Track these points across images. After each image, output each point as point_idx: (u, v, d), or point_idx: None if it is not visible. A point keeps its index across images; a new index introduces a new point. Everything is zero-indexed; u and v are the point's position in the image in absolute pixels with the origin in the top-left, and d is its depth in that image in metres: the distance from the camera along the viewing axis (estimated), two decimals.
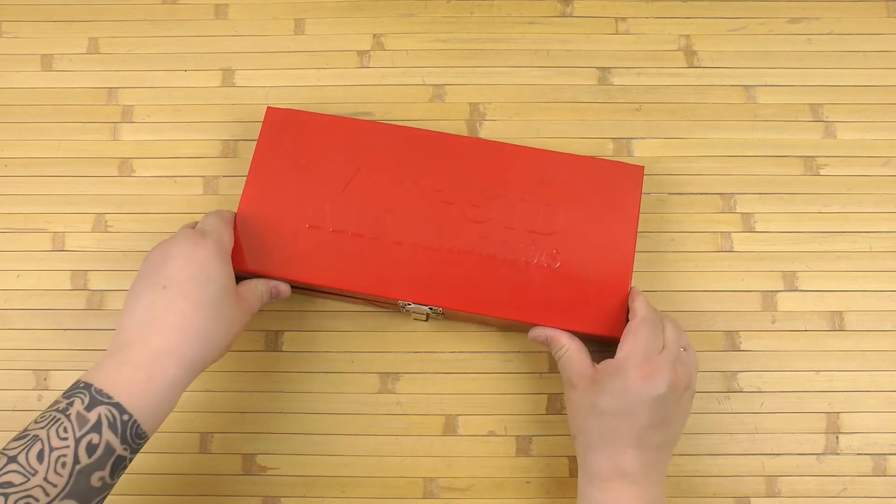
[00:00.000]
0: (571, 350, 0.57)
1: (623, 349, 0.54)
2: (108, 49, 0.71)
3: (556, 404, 0.63)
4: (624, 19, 0.70)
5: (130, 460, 0.47)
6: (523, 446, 0.63)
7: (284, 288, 0.59)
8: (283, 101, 0.68)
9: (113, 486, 0.47)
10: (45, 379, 0.64)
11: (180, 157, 0.68)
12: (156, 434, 0.62)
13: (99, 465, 0.45)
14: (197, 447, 0.63)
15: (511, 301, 0.59)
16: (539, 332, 0.58)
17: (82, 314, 0.65)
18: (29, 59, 0.70)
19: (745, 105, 0.68)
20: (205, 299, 0.50)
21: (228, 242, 0.55)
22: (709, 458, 0.62)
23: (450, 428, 0.63)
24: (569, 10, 0.71)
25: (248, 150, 0.68)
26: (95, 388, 0.46)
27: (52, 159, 0.68)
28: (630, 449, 0.52)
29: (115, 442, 0.45)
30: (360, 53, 0.70)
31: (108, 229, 0.66)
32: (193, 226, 0.57)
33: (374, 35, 0.71)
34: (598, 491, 0.53)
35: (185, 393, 0.63)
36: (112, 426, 0.45)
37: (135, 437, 0.46)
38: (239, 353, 0.63)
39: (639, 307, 0.57)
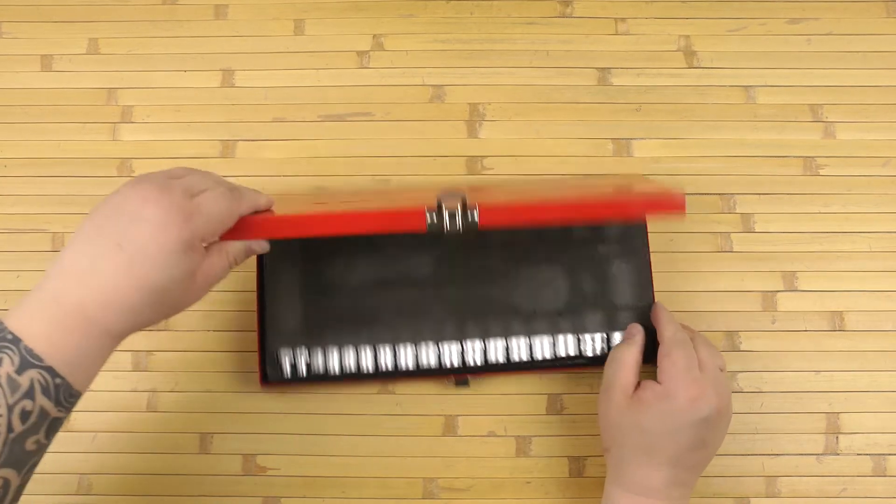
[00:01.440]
0: (631, 354, 0.56)
1: (664, 373, 0.54)
2: (108, 49, 0.71)
3: (556, 404, 0.63)
4: (624, 19, 0.70)
5: (67, 417, 0.45)
6: (523, 446, 0.63)
7: (261, 248, 0.52)
8: (284, 101, 0.69)
9: (49, 443, 0.45)
10: None
11: (180, 157, 0.68)
12: (156, 434, 0.63)
13: (34, 430, 0.43)
14: (197, 447, 0.63)
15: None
16: (632, 328, 0.59)
17: None
18: (29, 59, 0.70)
19: (745, 105, 0.68)
20: (156, 283, 0.45)
21: (207, 232, 0.47)
22: None
23: (450, 428, 0.63)
24: (569, 10, 0.71)
25: (249, 150, 0.68)
26: (24, 346, 0.43)
27: (51, 159, 0.68)
28: (665, 467, 0.53)
29: (50, 406, 0.43)
30: (360, 54, 0.70)
31: None
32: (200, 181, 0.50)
33: (374, 35, 0.71)
34: (624, 501, 0.54)
35: (184, 393, 0.63)
36: (45, 391, 0.43)
37: (67, 397, 0.44)
38: (239, 353, 0.63)
39: (664, 328, 0.57)
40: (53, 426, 0.45)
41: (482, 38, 0.70)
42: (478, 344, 0.61)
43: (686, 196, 0.55)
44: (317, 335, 0.61)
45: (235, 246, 0.50)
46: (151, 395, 0.64)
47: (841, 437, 0.62)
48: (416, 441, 0.63)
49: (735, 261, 0.65)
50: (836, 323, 0.64)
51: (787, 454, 0.62)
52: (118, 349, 0.64)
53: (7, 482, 0.43)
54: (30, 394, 0.43)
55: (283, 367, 0.61)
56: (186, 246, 0.45)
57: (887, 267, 0.65)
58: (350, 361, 0.61)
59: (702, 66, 0.69)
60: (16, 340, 0.43)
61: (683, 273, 0.65)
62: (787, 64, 0.69)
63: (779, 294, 0.65)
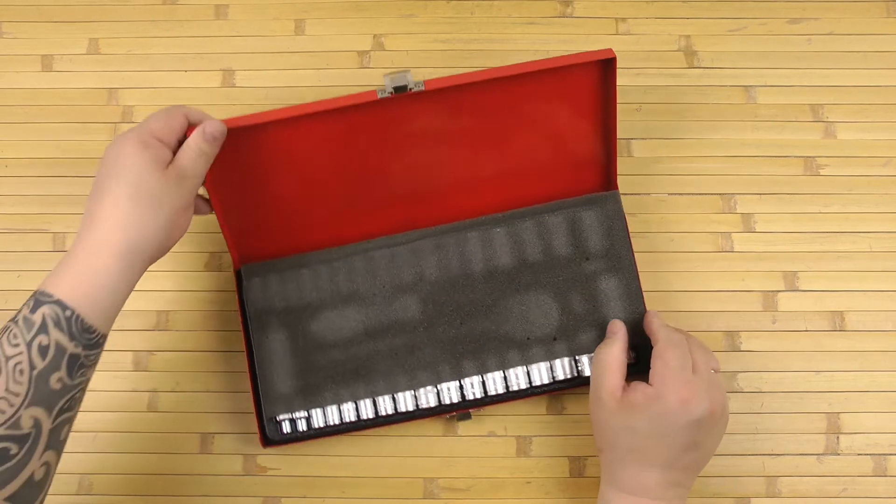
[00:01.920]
0: (614, 354, 0.56)
1: (655, 375, 0.53)
2: (108, 49, 0.71)
3: (556, 404, 0.63)
4: (624, 19, 0.70)
5: (90, 359, 0.48)
6: (523, 446, 0.63)
7: (212, 127, 0.53)
8: (284, 101, 0.68)
9: (77, 386, 0.47)
10: None
11: None
12: (156, 434, 0.63)
13: (55, 366, 0.45)
14: (197, 447, 0.63)
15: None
16: (614, 325, 0.59)
17: None
18: (29, 59, 0.70)
19: (745, 105, 0.68)
20: (125, 189, 0.49)
21: (156, 129, 0.51)
22: None
23: (450, 428, 0.63)
24: (569, 10, 0.71)
25: None
26: (40, 290, 0.47)
27: (52, 159, 0.68)
28: (658, 468, 0.53)
29: (65, 340, 0.46)
30: (360, 54, 0.70)
31: None
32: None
33: (374, 35, 0.71)
34: (618, 501, 0.54)
35: (184, 393, 0.63)
36: (57, 324, 0.46)
37: (82, 331, 0.46)
38: (240, 353, 0.63)
39: (657, 330, 0.56)
40: (73, 362, 0.46)
41: (482, 37, 0.70)
42: (476, 379, 0.60)
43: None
44: (313, 392, 0.60)
45: (194, 136, 0.52)
46: (152, 395, 0.64)
47: (841, 437, 0.62)
48: (416, 441, 0.63)
49: (735, 261, 0.65)
50: (837, 323, 0.64)
51: (788, 454, 0.62)
52: (119, 349, 0.64)
53: (38, 422, 0.45)
54: (43, 328, 0.46)
55: (283, 427, 0.61)
56: (142, 139, 0.50)
57: (887, 267, 0.65)
58: (350, 414, 0.61)
59: (702, 66, 0.69)
60: (36, 291, 0.47)
61: (684, 273, 0.65)
62: (787, 64, 0.69)
63: (779, 294, 0.65)
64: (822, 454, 0.62)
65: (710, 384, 0.53)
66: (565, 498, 0.62)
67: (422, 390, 0.60)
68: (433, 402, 0.60)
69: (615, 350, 0.56)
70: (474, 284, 0.61)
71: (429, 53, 0.70)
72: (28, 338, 0.45)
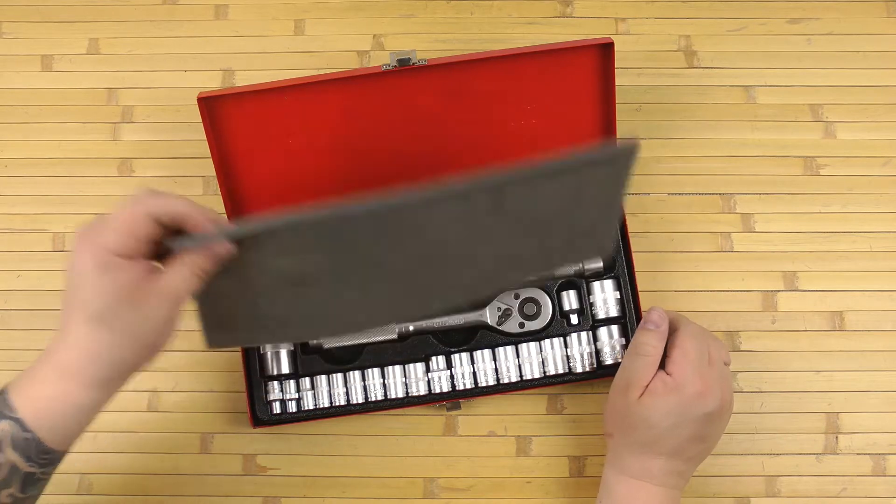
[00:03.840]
0: (654, 356, 0.55)
1: (674, 364, 0.53)
2: (108, 49, 0.71)
3: (556, 404, 0.63)
4: (624, 19, 0.70)
5: (46, 474, 0.46)
6: (523, 446, 0.63)
7: (223, 248, 0.45)
8: None
9: (31, 496, 0.46)
10: None
11: (180, 157, 0.68)
12: (156, 434, 0.63)
13: (6, 483, 0.44)
14: (197, 447, 0.63)
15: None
16: (657, 315, 0.56)
17: None
18: (29, 59, 0.70)
19: (745, 105, 0.68)
20: (91, 318, 0.43)
21: (112, 242, 0.44)
22: (709, 457, 0.62)
23: (450, 428, 0.63)
24: (569, 10, 0.71)
25: None
26: (5, 393, 0.45)
27: (52, 159, 0.68)
28: (665, 456, 0.53)
29: (20, 461, 0.44)
30: (360, 53, 0.70)
31: None
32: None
33: (374, 35, 0.70)
34: (620, 485, 0.54)
35: (184, 393, 0.63)
36: (15, 444, 0.43)
37: (40, 453, 0.44)
38: (240, 352, 0.63)
39: (677, 318, 0.56)
40: (27, 480, 0.45)
41: (482, 37, 0.70)
42: (467, 369, 0.61)
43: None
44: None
45: (192, 254, 0.45)
46: (152, 395, 0.64)
47: (841, 436, 0.62)
48: (416, 441, 0.63)
49: (735, 261, 0.65)
50: (836, 323, 0.64)
51: (787, 454, 0.62)
52: None
53: None
54: (0, 447, 0.43)
55: (273, 408, 0.61)
56: (99, 262, 0.43)
57: (887, 267, 0.65)
58: (340, 392, 0.61)
59: (702, 66, 0.69)
60: (3, 392, 0.45)
61: (684, 273, 0.65)
62: (787, 64, 0.69)
63: (779, 294, 0.65)
64: (821, 454, 0.62)
65: (721, 377, 0.54)
66: (565, 498, 0.62)
67: (412, 378, 0.61)
68: (423, 391, 0.61)
69: (655, 342, 0.55)
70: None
71: (429, 53, 0.70)
72: None
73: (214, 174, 0.67)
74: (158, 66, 0.70)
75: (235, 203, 0.61)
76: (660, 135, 0.68)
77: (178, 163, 0.68)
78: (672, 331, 0.56)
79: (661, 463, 0.53)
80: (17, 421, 0.43)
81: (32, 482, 0.45)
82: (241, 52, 0.70)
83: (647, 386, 0.54)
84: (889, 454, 0.62)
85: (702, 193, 0.67)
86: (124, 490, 0.62)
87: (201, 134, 0.68)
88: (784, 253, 0.65)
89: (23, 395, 0.44)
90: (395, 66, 0.55)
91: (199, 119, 0.68)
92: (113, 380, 0.45)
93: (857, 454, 0.62)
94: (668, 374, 0.53)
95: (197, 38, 0.71)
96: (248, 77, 0.70)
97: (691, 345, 0.54)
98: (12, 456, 0.44)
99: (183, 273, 0.45)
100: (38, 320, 0.65)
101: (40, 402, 0.44)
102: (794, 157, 0.67)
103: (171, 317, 0.45)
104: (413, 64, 0.55)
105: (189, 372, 0.64)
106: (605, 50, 0.57)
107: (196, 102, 0.55)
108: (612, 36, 0.70)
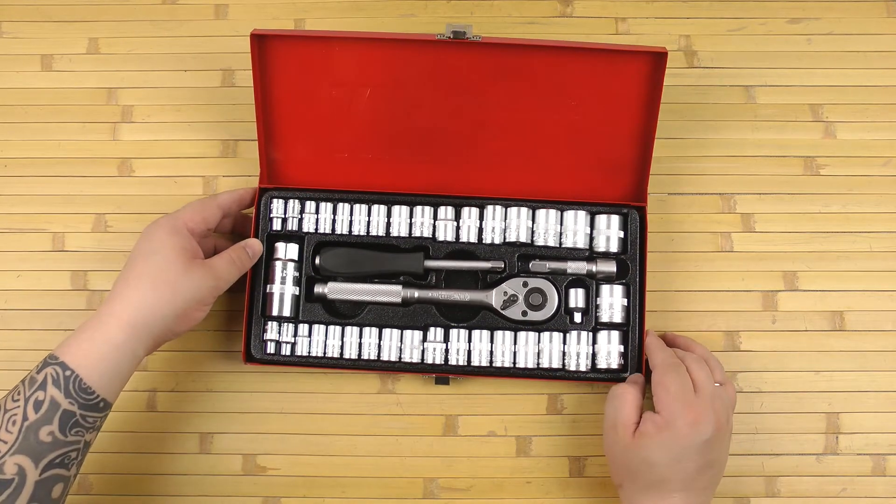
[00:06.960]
0: (630, 392, 0.56)
1: (659, 402, 0.54)
2: (108, 49, 0.70)
3: (555, 404, 0.63)
4: (624, 19, 0.70)
5: (86, 419, 0.50)
6: (523, 446, 0.63)
7: (254, 248, 0.60)
8: None
9: (71, 444, 0.49)
10: None
11: (180, 157, 0.68)
12: (156, 434, 0.63)
13: (46, 420, 0.48)
14: (197, 447, 0.63)
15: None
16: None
17: (82, 314, 0.65)
18: (29, 59, 0.70)
19: (745, 105, 0.68)
20: (148, 270, 0.54)
21: (189, 218, 0.57)
22: None
23: (450, 428, 0.63)
24: (569, 10, 0.71)
25: (249, 150, 0.68)
26: (50, 354, 0.51)
27: (52, 159, 0.68)
28: (679, 493, 0.53)
29: (59, 396, 0.49)
30: None
31: (108, 229, 0.66)
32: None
33: None
34: None
35: (184, 393, 0.63)
36: (56, 382, 0.49)
37: (79, 391, 0.49)
38: (239, 353, 0.63)
39: (654, 355, 0.57)
40: (66, 419, 0.49)
41: None
42: (462, 346, 0.61)
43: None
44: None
45: (235, 250, 0.58)
46: (151, 395, 0.64)
47: (841, 436, 0.62)
48: (416, 441, 0.63)
49: (735, 261, 0.65)
50: (837, 323, 0.64)
51: (787, 454, 0.62)
52: None
53: (22, 469, 0.48)
54: (42, 385, 0.49)
55: (268, 347, 0.61)
56: (172, 228, 0.56)
57: (887, 267, 0.65)
58: (335, 345, 0.61)
59: (702, 65, 0.69)
60: (49, 354, 0.51)
61: (683, 273, 0.65)
62: (787, 64, 0.69)
63: (779, 294, 0.65)
64: (821, 454, 0.62)
65: (713, 399, 0.54)
66: (565, 498, 0.62)
67: (408, 344, 0.61)
68: (416, 359, 0.61)
69: (633, 389, 0.57)
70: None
71: None
72: (27, 394, 0.49)
73: (214, 174, 0.67)
74: (158, 66, 0.70)
75: (269, 146, 0.62)
76: (660, 134, 0.67)
77: (179, 163, 0.68)
78: (652, 368, 0.57)
79: (678, 500, 0.53)
80: (60, 364, 0.50)
81: (73, 423, 0.49)
82: (241, 52, 0.70)
83: (638, 427, 0.54)
84: (889, 454, 0.62)
85: (702, 193, 0.67)
86: (124, 490, 0.62)
87: (201, 134, 0.68)
88: (784, 253, 0.65)
89: (65, 346, 0.51)
90: (450, 37, 0.56)
91: (200, 119, 0.69)
92: (148, 326, 0.52)
93: (857, 454, 0.62)
94: (656, 412, 0.54)
95: (197, 37, 0.71)
96: (249, 77, 0.69)
97: (670, 379, 0.54)
98: (53, 392, 0.49)
99: (228, 260, 0.57)
100: (38, 320, 0.65)
101: (80, 344, 0.51)
102: (794, 157, 0.67)
103: (211, 292, 0.56)
104: (468, 38, 0.56)
105: (189, 372, 0.64)
106: (657, 59, 0.57)
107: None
108: (611, 36, 0.70)
